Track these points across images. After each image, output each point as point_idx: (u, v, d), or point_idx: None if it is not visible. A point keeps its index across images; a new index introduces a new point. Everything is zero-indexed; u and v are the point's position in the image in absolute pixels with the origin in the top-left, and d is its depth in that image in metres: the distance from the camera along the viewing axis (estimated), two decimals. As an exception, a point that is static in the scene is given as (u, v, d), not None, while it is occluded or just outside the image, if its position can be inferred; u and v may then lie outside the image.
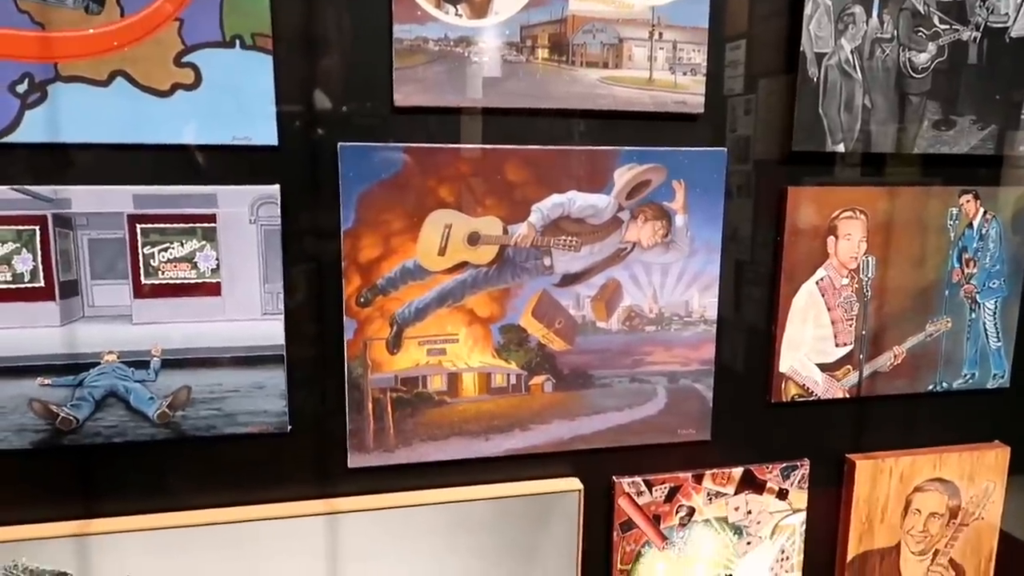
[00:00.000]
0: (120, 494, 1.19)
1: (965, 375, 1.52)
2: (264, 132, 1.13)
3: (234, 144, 1.13)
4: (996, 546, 1.59)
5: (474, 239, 1.24)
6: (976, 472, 1.54)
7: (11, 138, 1.06)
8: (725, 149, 1.31)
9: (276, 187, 1.15)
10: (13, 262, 1.09)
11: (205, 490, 1.22)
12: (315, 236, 1.19)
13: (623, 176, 1.27)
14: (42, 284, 1.11)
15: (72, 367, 1.13)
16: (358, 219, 1.19)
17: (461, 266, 1.24)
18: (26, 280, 1.10)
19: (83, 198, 1.10)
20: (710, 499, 1.41)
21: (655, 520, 1.39)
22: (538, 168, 1.23)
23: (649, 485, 1.38)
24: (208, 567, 1.20)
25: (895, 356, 1.47)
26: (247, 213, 1.15)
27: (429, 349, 1.25)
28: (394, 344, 1.24)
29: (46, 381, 1.13)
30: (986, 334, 1.51)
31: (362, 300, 1.21)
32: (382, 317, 1.23)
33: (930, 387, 1.50)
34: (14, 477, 1.15)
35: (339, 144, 1.16)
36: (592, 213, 1.27)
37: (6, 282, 1.09)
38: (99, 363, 1.14)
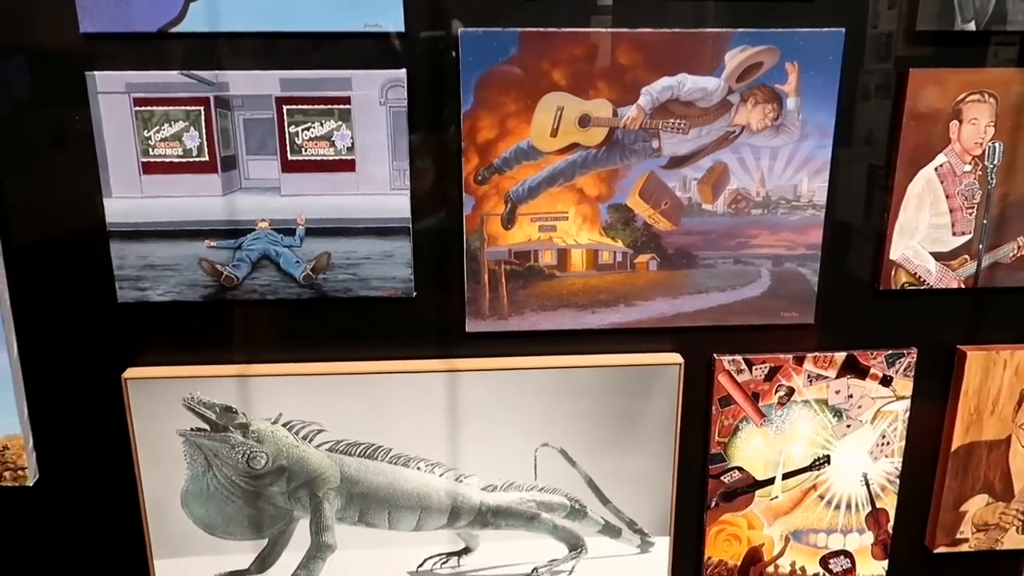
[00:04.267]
0: (273, 344, 1.38)
1: (1098, 270, 1.45)
2: (392, 19, 1.23)
3: (366, 31, 1.24)
4: (1119, 448, 1.54)
5: (585, 121, 1.30)
6: (1103, 371, 1.49)
7: (179, 28, 1.22)
8: (843, 30, 1.29)
9: (403, 71, 1.26)
10: (183, 139, 1.26)
11: (343, 345, 1.39)
12: (438, 117, 1.30)
13: (735, 58, 1.29)
14: (207, 158, 1.28)
15: (232, 232, 1.31)
16: (477, 101, 1.27)
17: (572, 147, 1.31)
18: (194, 155, 1.27)
19: (239, 82, 1.25)
20: (810, 381, 1.45)
21: (754, 398, 1.45)
22: (648, 51, 1.27)
23: (749, 364, 1.43)
24: (345, 411, 1.38)
25: (1018, 247, 1.42)
26: (377, 96, 1.26)
27: (541, 226, 1.35)
28: (508, 220, 1.34)
29: (212, 243, 1.31)
30: None
31: (480, 178, 1.32)
32: (498, 195, 1.33)
33: (1056, 281, 1.45)
34: (188, 325, 1.36)
35: (460, 29, 1.24)
36: (701, 96, 1.30)
37: (179, 156, 1.27)
38: (254, 229, 1.31)
